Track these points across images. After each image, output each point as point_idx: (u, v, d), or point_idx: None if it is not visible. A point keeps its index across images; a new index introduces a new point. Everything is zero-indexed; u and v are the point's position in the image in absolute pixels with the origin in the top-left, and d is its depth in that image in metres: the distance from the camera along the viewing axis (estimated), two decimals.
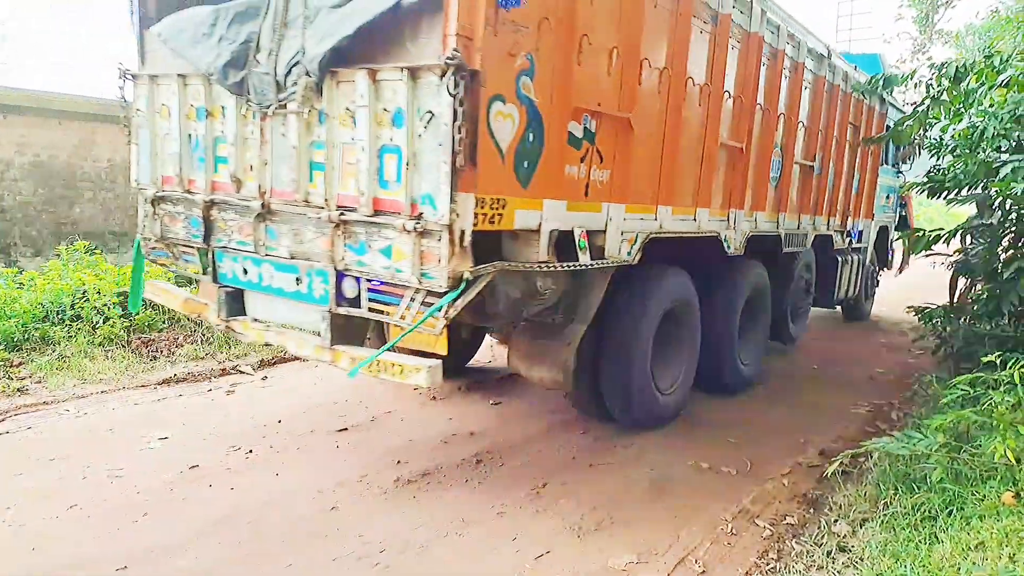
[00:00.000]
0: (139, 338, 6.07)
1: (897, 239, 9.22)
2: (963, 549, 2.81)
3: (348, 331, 3.57)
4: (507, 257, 3.40)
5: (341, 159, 3.28)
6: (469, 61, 2.84)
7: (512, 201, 3.20)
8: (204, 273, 4.07)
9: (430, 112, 2.90)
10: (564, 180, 3.50)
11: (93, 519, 3.26)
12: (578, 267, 3.62)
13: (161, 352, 5.90)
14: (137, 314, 5.99)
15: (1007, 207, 5.19)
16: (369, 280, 3.32)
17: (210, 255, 3.97)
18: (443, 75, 2.81)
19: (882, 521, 3.30)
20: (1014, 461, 3.14)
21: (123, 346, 5.90)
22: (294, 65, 3.30)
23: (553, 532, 3.33)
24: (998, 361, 3.88)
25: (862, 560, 3.01)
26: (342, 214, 3.26)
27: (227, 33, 3.51)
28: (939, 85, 5.44)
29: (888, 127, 7.42)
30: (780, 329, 6.80)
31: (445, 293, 3.02)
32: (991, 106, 5.19)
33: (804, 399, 5.77)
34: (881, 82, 6.59)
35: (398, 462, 3.99)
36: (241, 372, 5.68)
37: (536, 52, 3.16)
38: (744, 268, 5.64)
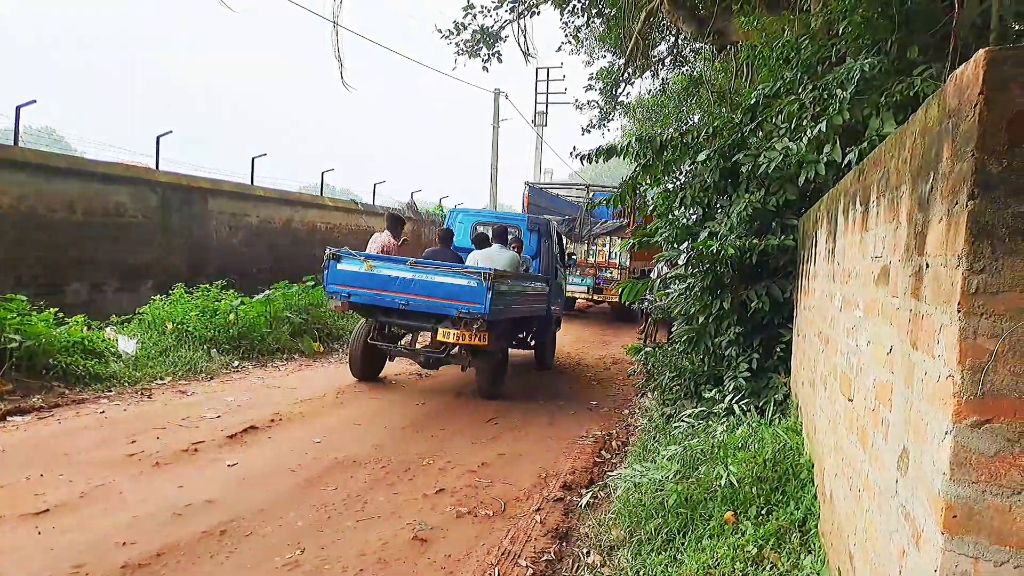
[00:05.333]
0: None
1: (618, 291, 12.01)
2: (704, 567, 2.96)
3: (594, 291, 16.36)
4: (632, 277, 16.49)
5: (599, 250, 16.33)
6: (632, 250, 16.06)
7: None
8: None
9: (628, 252, 16.10)
10: (634, 262, 16.71)
11: None
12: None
13: None
14: None
15: (703, 263, 5.36)
16: (605, 279, 16.13)
17: None
18: (629, 246, 15.95)
19: (629, 547, 3.42)
20: (736, 483, 3.35)
21: None
22: (587, 231, 16.28)
23: None
24: (717, 395, 4.60)
25: None
26: (600, 263, 16.15)
27: (566, 223, 16.38)
28: (645, 156, 6.06)
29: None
30: None
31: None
32: (691, 175, 5.94)
33: (545, 432, 6.14)
34: (605, 151, 6.75)
35: (123, 543, 3.40)
36: None
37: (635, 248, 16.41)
38: None
